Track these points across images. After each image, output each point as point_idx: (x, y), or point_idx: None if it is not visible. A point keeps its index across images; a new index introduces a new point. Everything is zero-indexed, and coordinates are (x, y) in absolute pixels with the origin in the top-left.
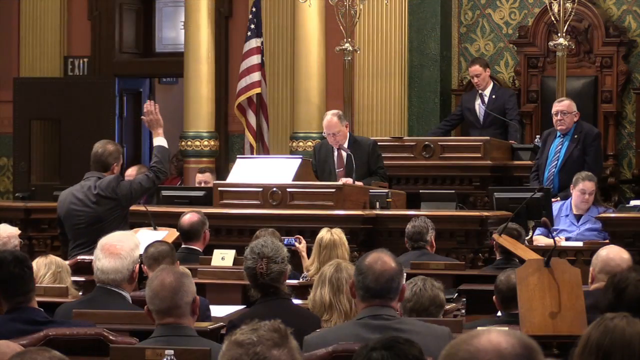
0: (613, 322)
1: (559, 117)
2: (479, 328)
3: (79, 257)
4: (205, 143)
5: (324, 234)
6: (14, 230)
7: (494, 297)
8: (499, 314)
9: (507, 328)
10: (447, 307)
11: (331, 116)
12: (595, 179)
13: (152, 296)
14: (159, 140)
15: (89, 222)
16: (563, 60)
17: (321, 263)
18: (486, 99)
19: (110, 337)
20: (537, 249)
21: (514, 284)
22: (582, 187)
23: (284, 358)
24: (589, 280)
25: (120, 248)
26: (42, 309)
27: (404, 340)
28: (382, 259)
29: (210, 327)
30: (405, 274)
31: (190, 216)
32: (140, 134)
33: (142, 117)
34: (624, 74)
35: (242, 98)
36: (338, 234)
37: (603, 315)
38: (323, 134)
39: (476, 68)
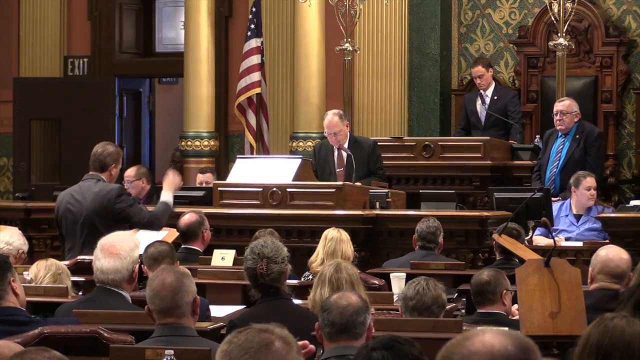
0: (613, 322)
1: (558, 117)
2: (477, 328)
3: (79, 257)
4: (205, 143)
5: (331, 230)
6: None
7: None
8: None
9: (506, 328)
10: (447, 307)
11: (332, 115)
12: (594, 175)
13: (153, 296)
14: (166, 196)
15: (82, 223)
16: (563, 60)
17: (326, 254)
18: (487, 100)
19: (105, 335)
20: (537, 249)
21: (481, 280)
22: (587, 184)
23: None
24: (589, 281)
25: (120, 248)
26: (23, 309)
27: (404, 340)
28: (347, 295)
29: (210, 327)
30: (371, 312)
31: (188, 217)
32: (140, 134)
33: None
34: (624, 74)
35: (242, 98)
36: (344, 233)
37: (602, 315)
38: (324, 134)
39: (479, 69)
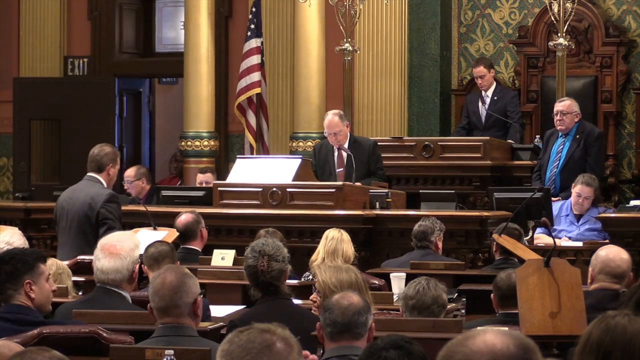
0: (614, 320)
1: (558, 117)
2: (478, 328)
3: (79, 257)
4: (205, 143)
5: (332, 230)
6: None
7: (492, 295)
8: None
9: (506, 328)
10: (447, 307)
11: (332, 116)
12: (596, 184)
13: (153, 294)
14: None
15: (72, 222)
16: (563, 60)
17: (327, 253)
18: (488, 100)
19: (105, 335)
20: (537, 249)
21: (512, 282)
22: (578, 190)
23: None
24: (589, 281)
25: (120, 248)
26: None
27: (407, 339)
28: (348, 295)
29: (210, 327)
30: (373, 314)
31: (184, 217)
32: (140, 134)
33: None
34: (623, 74)
35: (242, 98)
36: (345, 234)
37: (604, 313)
38: (324, 134)
39: (481, 69)
